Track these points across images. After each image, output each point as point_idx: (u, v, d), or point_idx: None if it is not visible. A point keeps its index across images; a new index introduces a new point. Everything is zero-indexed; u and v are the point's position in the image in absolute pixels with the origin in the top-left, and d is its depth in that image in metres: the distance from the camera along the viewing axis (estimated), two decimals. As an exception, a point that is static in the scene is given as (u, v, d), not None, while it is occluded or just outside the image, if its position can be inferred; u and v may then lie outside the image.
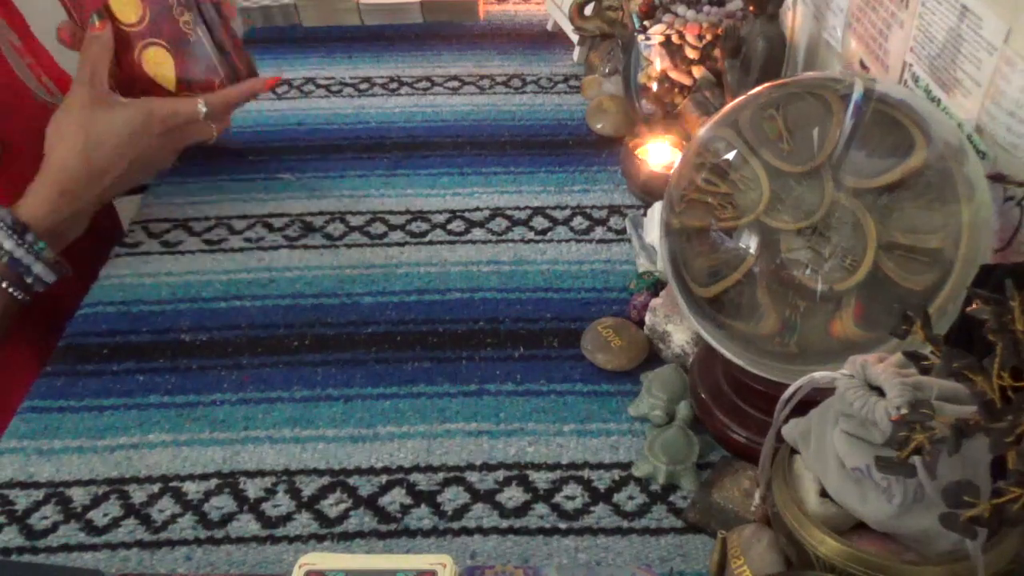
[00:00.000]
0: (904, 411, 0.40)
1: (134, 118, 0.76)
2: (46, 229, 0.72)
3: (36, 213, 0.72)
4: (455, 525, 0.58)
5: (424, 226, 0.84)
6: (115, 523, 0.59)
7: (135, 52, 0.79)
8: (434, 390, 0.67)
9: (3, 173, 0.77)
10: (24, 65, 0.84)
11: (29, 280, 0.72)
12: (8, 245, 0.70)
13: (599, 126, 0.94)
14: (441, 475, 0.61)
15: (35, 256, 0.71)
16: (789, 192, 0.54)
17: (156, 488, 0.61)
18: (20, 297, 0.72)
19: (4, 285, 0.70)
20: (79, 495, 0.60)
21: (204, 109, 0.80)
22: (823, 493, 0.47)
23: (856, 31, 0.73)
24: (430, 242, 0.82)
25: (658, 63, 0.87)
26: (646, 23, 0.86)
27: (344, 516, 0.59)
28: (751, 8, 0.75)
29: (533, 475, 0.61)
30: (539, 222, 0.84)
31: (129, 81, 0.81)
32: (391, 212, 0.85)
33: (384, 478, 0.61)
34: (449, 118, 1.00)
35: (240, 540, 0.57)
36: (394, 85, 1.07)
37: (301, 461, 0.62)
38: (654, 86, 0.88)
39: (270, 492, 0.60)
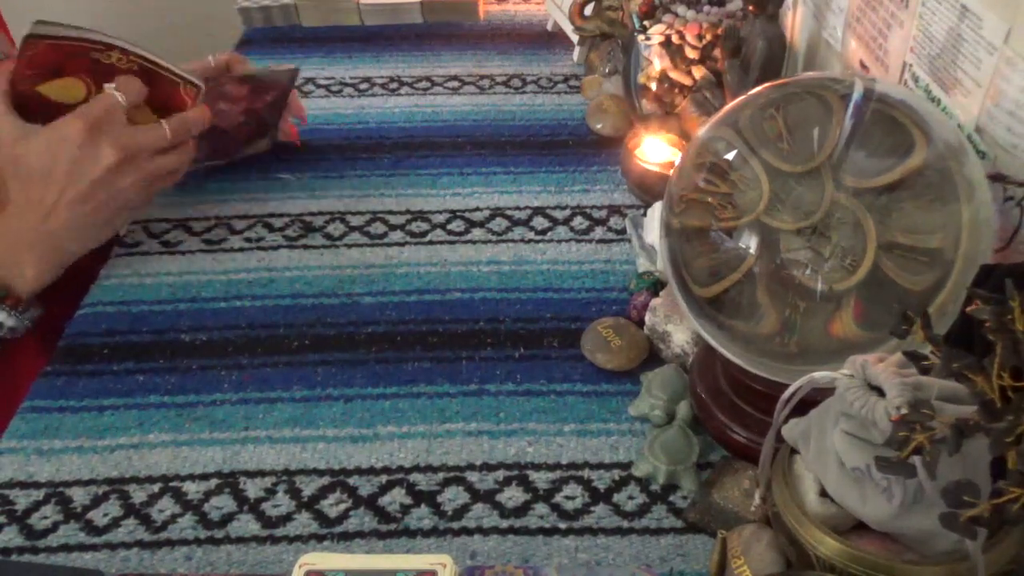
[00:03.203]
0: (904, 411, 0.40)
1: (63, 137, 0.69)
2: None
3: None
4: (455, 525, 0.58)
5: (424, 226, 0.84)
6: (115, 523, 0.59)
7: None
8: (434, 390, 0.67)
9: None
10: None
11: None
12: None
13: (599, 126, 0.94)
14: (441, 475, 0.61)
15: None
16: (789, 192, 0.54)
17: (156, 488, 0.61)
18: None
19: None
20: (79, 495, 0.60)
21: (167, 128, 0.74)
22: (823, 493, 0.47)
23: (856, 31, 0.73)
24: (430, 242, 0.82)
25: (658, 63, 0.87)
26: (646, 23, 0.86)
27: (344, 516, 0.59)
28: (751, 8, 0.75)
29: (533, 475, 0.61)
30: (539, 222, 0.84)
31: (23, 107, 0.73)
32: (391, 212, 0.85)
33: (384, 478, 0.61)
34: (449, 118, 1.00)
35: (240, 540, 0.57)
36: (394, 85, 1.07)
37: (301, 461, 0.62)
38: (654, 86, 0.88)
39: (270, 492, 0.60)
